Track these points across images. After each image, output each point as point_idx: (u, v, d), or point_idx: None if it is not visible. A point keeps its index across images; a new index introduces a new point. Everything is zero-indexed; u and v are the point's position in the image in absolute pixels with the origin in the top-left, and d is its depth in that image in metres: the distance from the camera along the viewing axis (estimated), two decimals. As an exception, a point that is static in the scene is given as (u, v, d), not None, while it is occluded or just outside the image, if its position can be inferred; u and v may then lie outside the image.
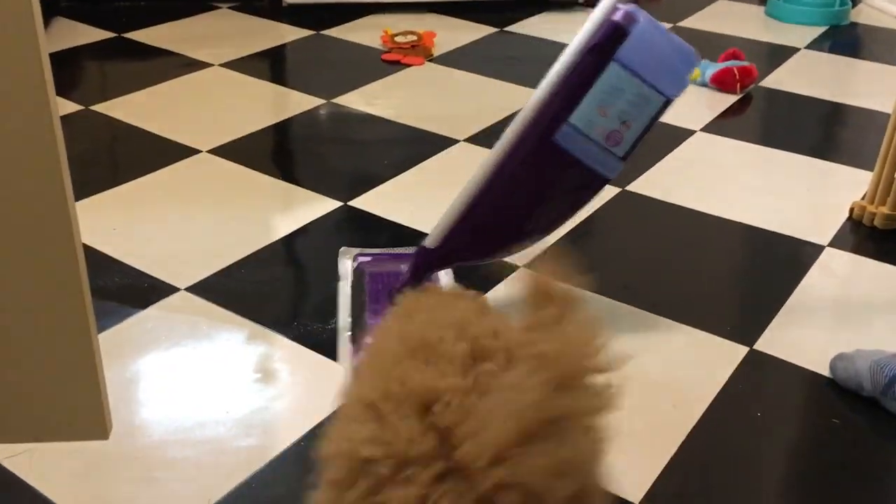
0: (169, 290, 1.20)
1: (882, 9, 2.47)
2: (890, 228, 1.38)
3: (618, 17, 0.95)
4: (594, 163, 0.98)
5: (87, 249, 1.27)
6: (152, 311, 1.16)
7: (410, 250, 1.14)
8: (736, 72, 1.88)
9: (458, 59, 2.06)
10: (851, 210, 1.43)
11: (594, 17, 0.96)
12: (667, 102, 0.98)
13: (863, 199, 1.42)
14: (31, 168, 0.70)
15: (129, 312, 1.15)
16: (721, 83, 1.90)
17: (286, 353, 1.10)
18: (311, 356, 1.09)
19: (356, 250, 1.26)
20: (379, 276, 1.18)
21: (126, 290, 1.20)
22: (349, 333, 1.10)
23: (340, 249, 1.27)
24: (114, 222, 1.36)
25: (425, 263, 1.10)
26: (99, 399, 0.75)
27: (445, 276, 1.20)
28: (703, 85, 1.92)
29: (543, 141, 0.97)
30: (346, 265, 1.24)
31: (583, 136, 0.97)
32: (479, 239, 1.05)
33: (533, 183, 1.01)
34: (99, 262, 1.24)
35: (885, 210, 1.38)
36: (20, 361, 0.78)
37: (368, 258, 1.24)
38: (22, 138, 0.68)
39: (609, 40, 0.94)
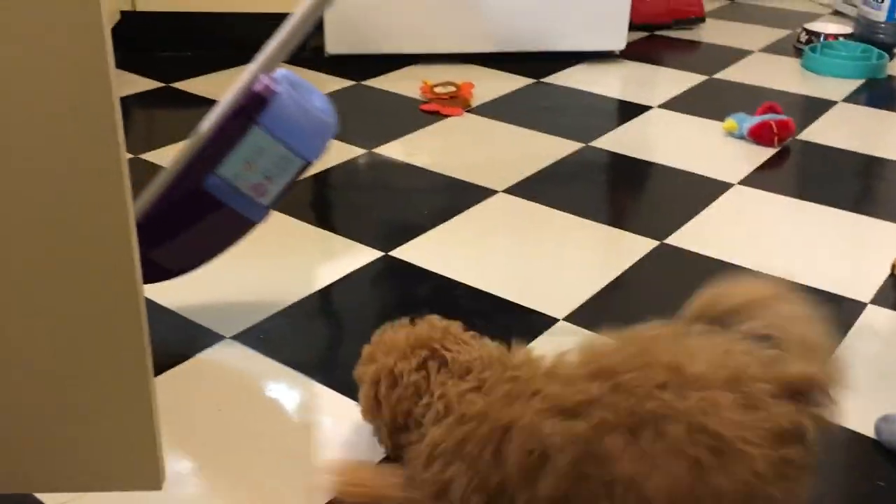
0: (215, 338, 1.22)
1: (919, 62, 2.48)
2: (933, 286, 1.37)
3: (259, 86, 1.06)
4: (242, 209, 1.13)
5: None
6: (198, 358, 1.18)
7: None
8: (773, 125, 1.89)
9: (496, 109, 2.10)
10: (893, 266, 1.42)
11: (239, 83, 1.08)
12: (305, 163, 1.12)
13: (904, 255, 1.42)
14: (98, 213, 0.72)
15: (176, 360, 1.17)
16: (759, 136, 1.91)
17: (328, 402, 1.11)
18: (353, 406, 1.10)
19: None
20: None
21: (172, 338, 1.22)
22: None
23: None
24: (161, 270, 1.39)
25: None
26: (154, 448, 0.76)
27: None
28: (741, 138, 1.93)
29: (195, 187, 1.11)
30: None
31: (230, 186, 1.10)
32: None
33: (185, 221, 1.15)
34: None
35: (927, 267, 1.37)
36: (76, 409, 0.80)
37: None
38: (92, 186, 0.71)
39: (251, 106, 1.06)
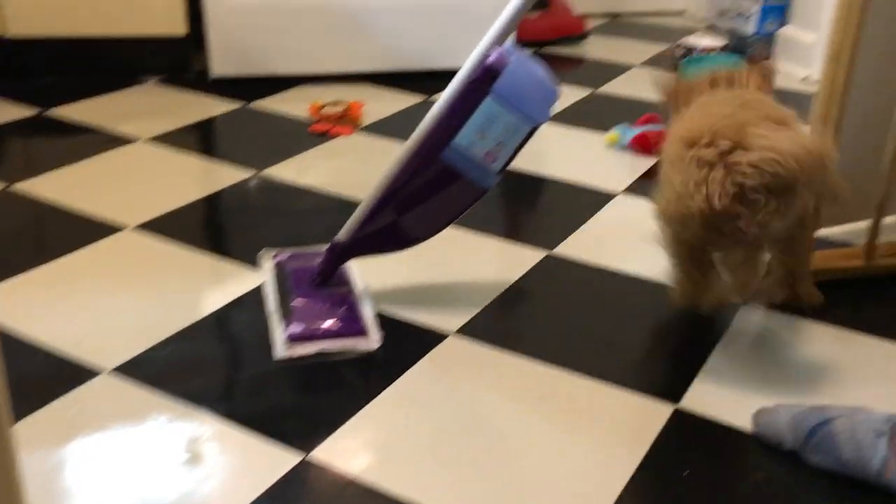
0: (92, 372, 1.17)
1: (788, 71, 2.62)
2: (803, 283, 1.44)
3: (491, 59, 1.15)
4: (474, 176, 1.21)
5: (5, 333, 1.24)
6: (75, 394, 1.13)
7: (323, 248, 1.36)
8: (653, 135, 1.96)
9: (386, 127, 2.10)
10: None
11: (474, 57, 1.17)
12: (534, 128, 1.20)
13: (776, 255, 1.49)
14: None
15: (51, 397, 1.12)
16: (639, 146, 1.97)
17: (215, 431, 1.08)
18: (241, 434, 1.08)
19: (275, 250, 1.47)
20: (298, 269, 1.40)
21: (47, 375, 1.17)
22: (278, 315, 1.30)
23: (261, 252, 1.46)
24: (34, 304, 1.33)
25: (337, 256, 1.34)
26: (15, 494, 0.72)
27: (354, 266, 1.41)
28: (623, 149, 2.00)
29: (433, 158, 1.20)
30: (267, 263, 1.44)
31: (465, 155, 1.18)
32: (380, 236, 1.30)
33: (423, 192, 1.24)
34: (17, 346, 1.21)
35: (797, 266, 1.44)
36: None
37: (287, 255, 1.46)
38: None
39: (485, 79, 1.15)
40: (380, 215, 1.27)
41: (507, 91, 1.15)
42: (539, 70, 1.22)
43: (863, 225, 1.46)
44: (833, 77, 1.36)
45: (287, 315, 1.29)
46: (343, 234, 1.32)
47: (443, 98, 1.20)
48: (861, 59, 1.34)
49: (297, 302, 1.32)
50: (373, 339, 1.27)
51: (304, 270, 1.39)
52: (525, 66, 1.20)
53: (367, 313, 1.32)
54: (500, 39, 1.18)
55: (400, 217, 1.26)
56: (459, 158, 1.19)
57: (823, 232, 1.46)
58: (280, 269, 1.41)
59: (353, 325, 1.28)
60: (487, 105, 1.16)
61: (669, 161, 1.22)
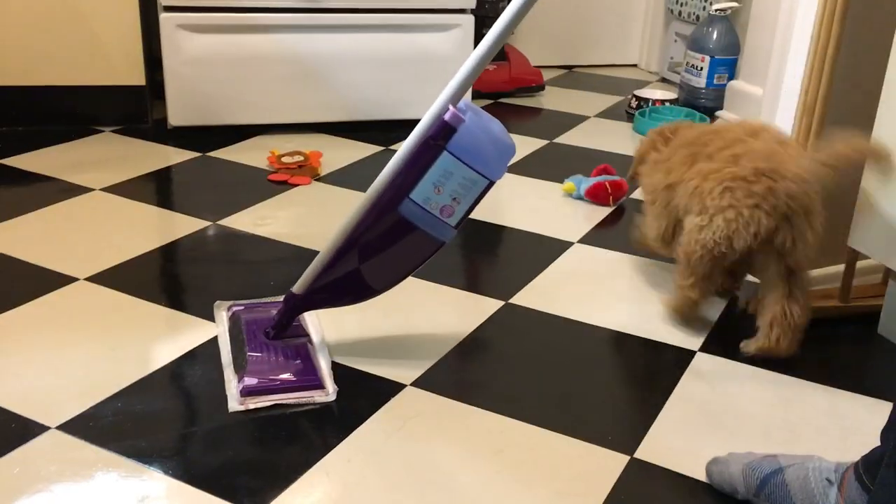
0: (38, 429, 1.14)
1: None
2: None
3: (447, 116, 1.17)
4: (431, 230, 1.22)
5: (-49, 390, 1.20)
6: (19, 453, 1.10)
7: (278, 299, 1.37)
8: (608, 186, 2.00)
9: (344, 177, 2.11)
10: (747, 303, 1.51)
11: (430, 113, 1.18)
12: (489, 184, 1.21)
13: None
14: None
15: (-6, 456, 1.09)
16: (594, 196, 2.00)
17: (165, 489, 1.06)
18: (192, 492, 1.05)
19: (229, 302, 1.47)
20: (253, 321, 1.39)
21: (-8, 432, 1.14)
22: (232, 367, 1.30)
23: (215, 303, 1.46)
24: (-18, 358, 1.29)
25: (294, 307, 1.33)
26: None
27: (311, 317, 1.42)
28: (579, 198, 2.03)
29: (390, 211, 1.21)
30: (221, 315, 1.43)
31: (421, 209, 1.20)
32: (338, 288, 1.30)
33: (381, 244, 1.25)
34: (-37, 403, 1.18)
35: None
36: None
37: (242, 307, 1.45)
38: None
39: (441, 135, 1.17)
40: (341, 262, 1.27)
41: (463, 147, 1.17)
42: (495, 126, 1.24)
43: (832, 270, 1.50)
44: (807, 127, 1.43)
45: (241, 367, 1.28)
46: (299, 285, 1.32)
47: (400, 152, 1.21)
48: (830, 114, 1.42)
49: (252, 354, 1.31)
50: (329, 391, 1.26)
51: (260, 322, 1.38)
52: (481, 123, 1.21)
53: (324, 365, 1.31)
54: (457, 95, 1.20)
55: (361, 265, 1.26)
56: (416, 212, 1.21)
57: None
58: (235, 321, 1.40)
59: (308, 377, 1.27)
60: (443, 161, 1.18)
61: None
